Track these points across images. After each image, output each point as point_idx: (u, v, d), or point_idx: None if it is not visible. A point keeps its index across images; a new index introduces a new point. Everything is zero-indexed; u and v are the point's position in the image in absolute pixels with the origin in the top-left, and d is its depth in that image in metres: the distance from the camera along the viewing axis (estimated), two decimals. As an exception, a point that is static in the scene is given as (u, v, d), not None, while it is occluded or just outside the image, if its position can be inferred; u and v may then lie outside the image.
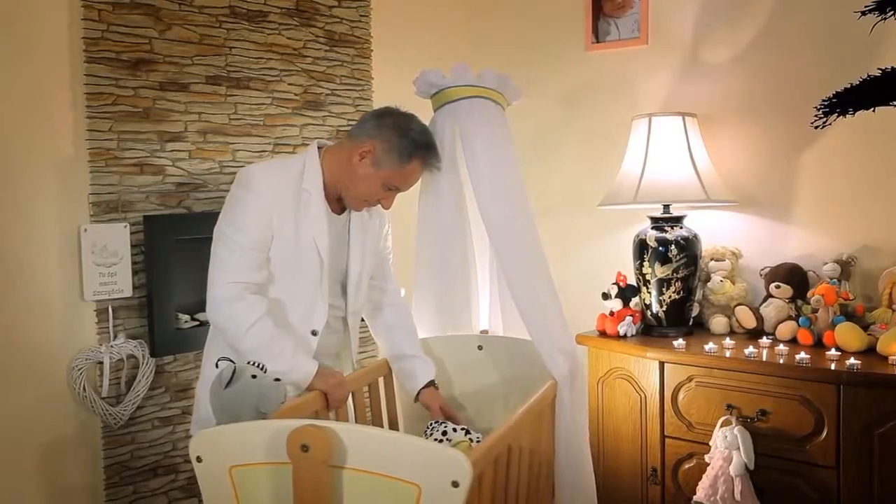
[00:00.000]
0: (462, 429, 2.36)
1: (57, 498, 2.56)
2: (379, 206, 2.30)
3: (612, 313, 3.02)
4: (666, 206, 2.92)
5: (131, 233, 2.65)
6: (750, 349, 2.61)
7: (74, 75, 2.54)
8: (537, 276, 2.43)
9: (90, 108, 2.56)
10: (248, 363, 1.87)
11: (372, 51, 3.38)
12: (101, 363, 2.59)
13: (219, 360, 1.86)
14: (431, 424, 2.39)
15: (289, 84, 3.08)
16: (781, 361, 2.54)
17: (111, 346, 2.60)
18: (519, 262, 2.39)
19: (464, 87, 2.42)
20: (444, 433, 2.34)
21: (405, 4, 3.55)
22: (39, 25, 2.48)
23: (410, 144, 2.20)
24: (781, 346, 2.65)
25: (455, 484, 1.52)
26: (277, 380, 1.85)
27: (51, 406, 2.54)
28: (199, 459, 1.72)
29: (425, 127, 2.30)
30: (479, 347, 2.66)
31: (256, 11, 2.96)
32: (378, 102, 3.31)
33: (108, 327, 2.62)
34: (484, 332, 2.74)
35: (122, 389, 2.64)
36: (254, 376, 1.83)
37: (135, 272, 2.67)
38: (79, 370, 2.55)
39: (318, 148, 2.29)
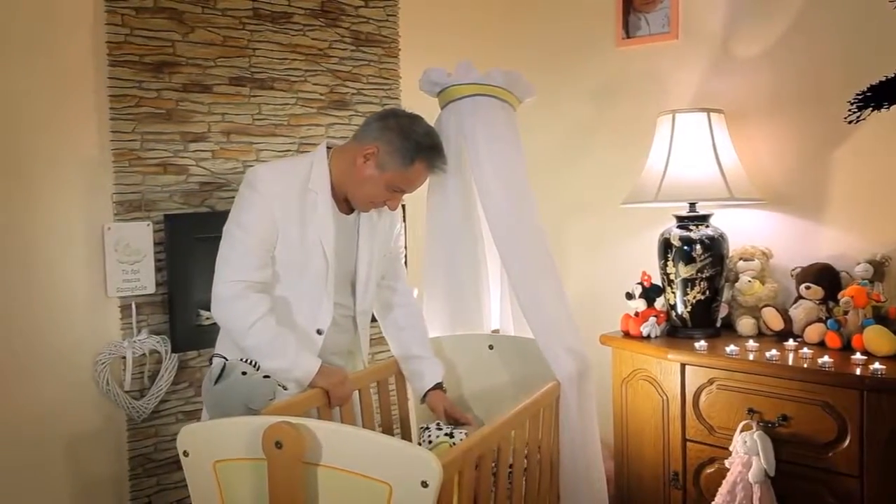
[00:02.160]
0: (462, 431, 2.35)
1: (83, 489, 2.64)
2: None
3: (637, 314, 2.97)
4: (692, 205, 2.85)
5: (154, 231, 2.72)
6: (772, 352, 2.53)
7: (98, 78, 2.62)
8: (542, 276, 2.40)
9: (114, 109, 2.63)
10: (240, 360, 1.90)
11: (400, 50, 3.40)
12: (124, 358, 2.66)
13: (211, 356, 1.90)
14: (429, 426, 2.39)
15: (314, 84, 3.12)
16: (805, 365, 2.45)
17: (134, 342, 2.67)
18: (522, 261, 2.36)
19: (467, 85, 2.41)
20: (449, 434, 2.33)
21: (433, 3, 3.55)
22: (63, 30, 2.56)
23: (414, 146, 2.19)
24: (805, 350, 2.56)
25: (424, 484, 1.52)
26: (267, 377, 1.88)
27: (76, 399, 2.62)
28: (185, 454, 1.76)
29: (431, 129, 2.29)
30: (490, 347, 2.64)
31: (280, 13, 3.00)
32: (406, 101, 3.32)
33: (131, 323, 2.69)
34: (495, 331, 2.72)
35: (145, 384, 2.72)
36: (244, 373, 1.86)
37: (158, 269, 2.73)
38: (102, 364, 2.63)
39: (328, 148, 2.31)
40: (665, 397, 2.75)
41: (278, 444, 1.58)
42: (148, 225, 2.70)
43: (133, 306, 2.69)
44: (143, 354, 2.70)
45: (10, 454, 2.48)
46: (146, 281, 2.71)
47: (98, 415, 2.67)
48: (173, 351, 2.74)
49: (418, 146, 2.20)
